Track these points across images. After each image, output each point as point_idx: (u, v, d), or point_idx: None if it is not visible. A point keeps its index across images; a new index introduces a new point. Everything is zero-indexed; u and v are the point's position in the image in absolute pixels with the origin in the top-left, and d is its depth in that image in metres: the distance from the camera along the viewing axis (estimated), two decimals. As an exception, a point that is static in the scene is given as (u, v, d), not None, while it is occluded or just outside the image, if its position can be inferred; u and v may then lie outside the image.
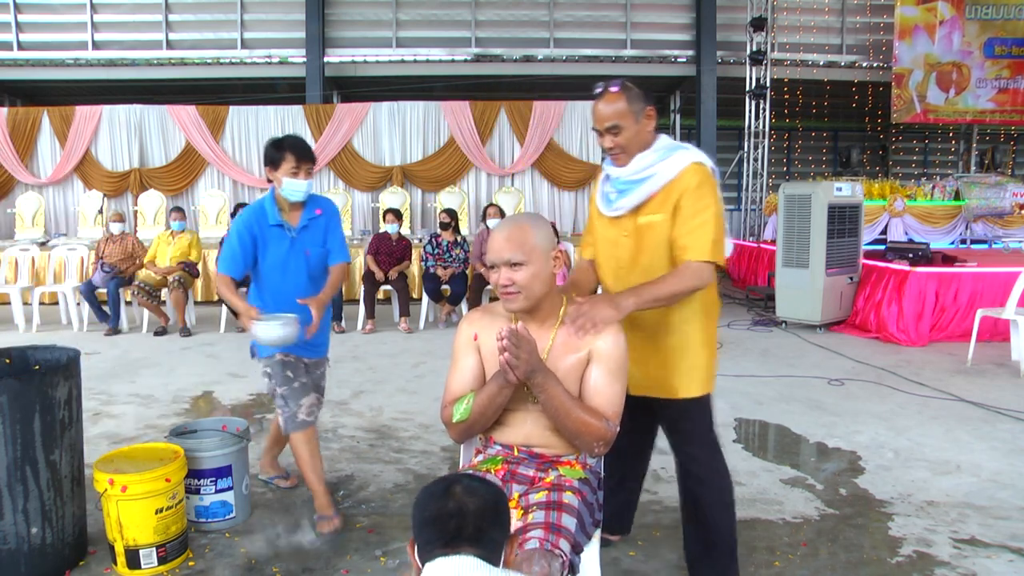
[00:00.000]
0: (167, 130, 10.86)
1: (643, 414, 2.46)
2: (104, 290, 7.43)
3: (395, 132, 10.93)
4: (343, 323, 7.43)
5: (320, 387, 3.21)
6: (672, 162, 2.22)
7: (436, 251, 7.80)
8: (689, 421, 2.39)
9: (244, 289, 3.30)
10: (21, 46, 12.74)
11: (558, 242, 2.05)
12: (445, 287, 7.56)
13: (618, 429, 1.93)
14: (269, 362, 3.01)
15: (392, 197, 10.42)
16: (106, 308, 7.43)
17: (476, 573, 1.31)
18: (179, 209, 7.96)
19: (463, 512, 1.36)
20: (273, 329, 2.77)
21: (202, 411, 4.72)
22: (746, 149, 12.49)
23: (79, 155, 10.70)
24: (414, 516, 1.41)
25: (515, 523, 1.79)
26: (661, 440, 4.06)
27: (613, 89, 2.24)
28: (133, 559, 2.63)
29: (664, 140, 2.29)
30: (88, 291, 7.43)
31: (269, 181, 2.99)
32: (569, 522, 1.80)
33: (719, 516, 2.40)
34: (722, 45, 12.81)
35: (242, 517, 3.05)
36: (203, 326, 7.60)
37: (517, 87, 13.57)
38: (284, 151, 2.90)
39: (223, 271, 2.97)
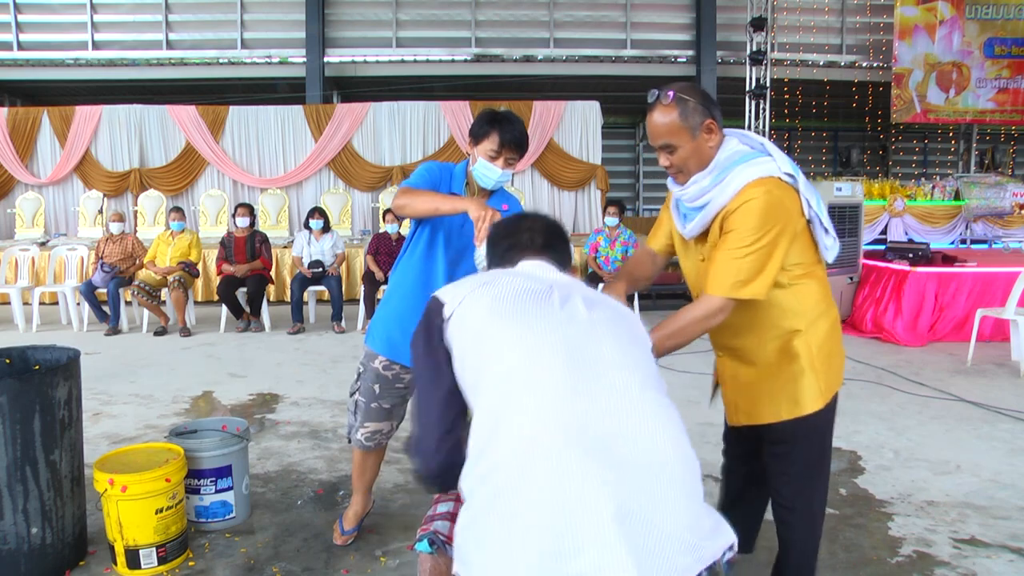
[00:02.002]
0: (167, 130, 10.86)
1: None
2: (104, 290, 7.43)
3: (395, 132, 10.93)
4: (343, 323, 7.43)
5: (403, 413, 2.77)
6: (726, 186, 1.96)
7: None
8: (795, 444, 2.17)
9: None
10: (21, 46, 12.74)
11: None
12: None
13: None
14: (367, 361, 2.65)
15: (391, 198, 10.39)
16: (106, 308, 7.44)
17: (550, 273, 1.59)
18: (178, 209, 7.96)
19: (533, 227, 1.69)
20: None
21: (202, 411, 4.72)
22: (746, 149, 12.48)
23: (79, 155, 10.70)
24: (492, 236, 1.77)
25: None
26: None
27: (665, 101, 1.96)
28: (133, 559, 2.63)
29: (727, 150, 2.01)
30: (88, 291, 7.43)
31: (467, 154, 2.59)
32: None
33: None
34: (722, 45, 12.82)
35: (242, 517, 3.05)
36: (203, 326, 7.60)
37: (517, 87, 13.58)
38: (491, 128, 2.45)
39: (408, 184, 2.50)
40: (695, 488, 1.33)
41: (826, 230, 2.09)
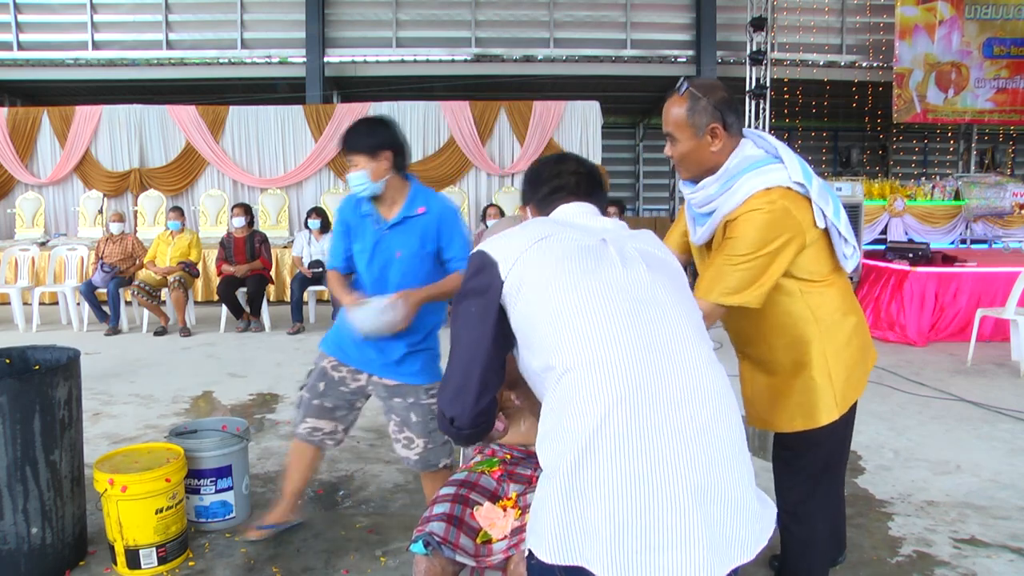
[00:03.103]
0: (167, 130, 10.86)
1: None
2: (104, 290, 7.43)
3: (395, 132, 10.91)
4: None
5: (351, 419, 2.79)
6: (733, 194, 1.94)
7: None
8: (804, 452, 2.15)
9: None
10: (21, 46, 12.74)
11: None
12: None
13: None
14: (318, 360, 2.73)
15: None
16: (106, 308, 7.44)
17: (595, 220, 1.57)
18: (177, 209, 7.97)
19: (579, 171, 1.67)
20: (369, 315, 2.39)
21: (202, 411, 4.72)
22: (746, 149, 12.46)
23: (79, 155, 10.69)
24: (532, 177, 1.71)
25: (514, 522, 1.80)
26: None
27: (679, 92, 1.96)
28: (133, 559, 2.63)
29: (738, 156, 1.96)
30: (88, 291, 7.43)
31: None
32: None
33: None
34: (722, 45, 12.81)
35: (242, 517, 3.05)
36: (203, 326, 7.60)
37: (517, 87, 13.58)
38: (340, 142, 2.54)
39: (330, 266, 2.74)
40: (748, 457, 1.36)
41: (845, 239, 2.03)
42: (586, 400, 1.28)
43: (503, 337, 1.44)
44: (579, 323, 1.33)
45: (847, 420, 2.15)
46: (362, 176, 2.49)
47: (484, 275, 1.44)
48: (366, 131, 2.52)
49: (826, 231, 2.00)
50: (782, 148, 2.00)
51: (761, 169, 1.93)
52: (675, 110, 1.96)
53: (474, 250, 1.51)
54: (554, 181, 1.66)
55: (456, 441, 1.66)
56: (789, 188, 1.92)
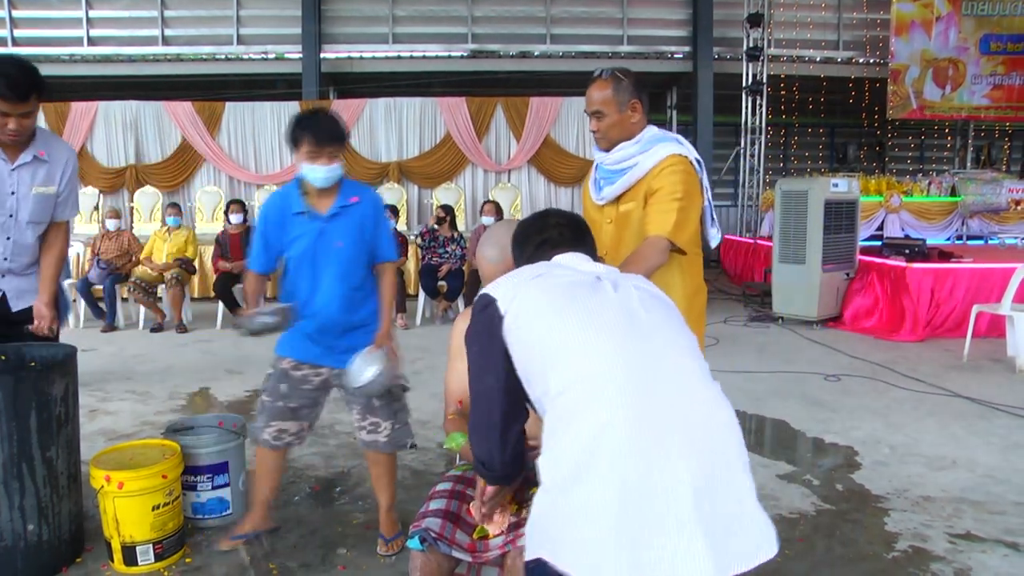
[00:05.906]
0: (163, 126, 10.82)
1: None
2: (100, 287, 7.41)
3: (391, 128, 10.91)
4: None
5: (315, 415, 2.82)
6: (652, 154, 2.29)
7: (432, 244, 7.80)
8: None
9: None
10: (16, 42, 12.67)
11: None
12: (442, 283, 7.55)
13: None
14: (276, 362, 2.75)
15: (389, 193, 10.39)
16: (102, 305, 7.42)
17: (589, 264, 1.62)
18: (175, 205, 7.95)
19: (561, 223, 1.73)
20: (259, 321, 2.56)
21: (198, 407, 4.72)
22: (743, 145, 12.48)
23: (75, 151, 10.65)
24: (519, 237, 1.76)
25: (511, 518, 1.80)
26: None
27: (604, 76, 2.39)
28: (130, 556, 2.63)
29: (651, 131, 2.36)
30: (84, 288, 7.41)
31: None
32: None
33: None
34: (719, 41, 12.79)
35: (239, 513, 3.04)
36: (199, 323, 7.58)
37: (514, 83, 13.55)
38: (302, 132, 2.52)
39: (248, 266, 2.75)
40: (749, 468, 1.38)
41: (713, 219, 2.45)
42: (584, 413, 1.30)
43: (513, 371, 1.47)
44: (571, 341, 1.38)
45: None
46: (338, 169, 2.55)
47: (485, 313, 1.50)
48: (336, 125, 2.58)
49: (702, 211, 2.36)
50: (682, 139, 2.41)
51: (673, 142, 2.34)
52: (601, 92, 2.37)
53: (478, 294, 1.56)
54: (540, 236, 1.71)
55: (490, 483, 1.67)
56: (692, 162, 2.32)
